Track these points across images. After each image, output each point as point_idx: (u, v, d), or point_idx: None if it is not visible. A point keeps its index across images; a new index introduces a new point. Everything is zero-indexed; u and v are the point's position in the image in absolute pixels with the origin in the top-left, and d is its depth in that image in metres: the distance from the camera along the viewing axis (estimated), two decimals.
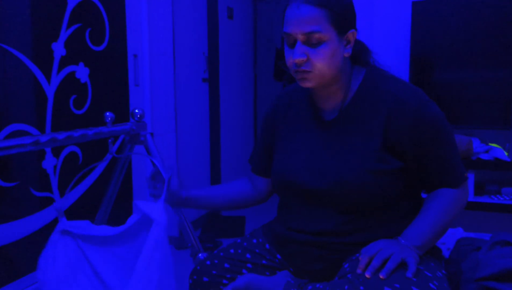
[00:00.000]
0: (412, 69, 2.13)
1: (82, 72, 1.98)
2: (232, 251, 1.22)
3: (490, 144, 2.17)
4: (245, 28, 3.97)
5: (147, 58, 2.42)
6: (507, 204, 2.05)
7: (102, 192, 1.63)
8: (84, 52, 2.00)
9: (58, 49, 1.85)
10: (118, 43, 2.22)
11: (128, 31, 2.28)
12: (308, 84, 1.05)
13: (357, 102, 1.08)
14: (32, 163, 1.78)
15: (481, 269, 1.04)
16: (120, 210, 1.72)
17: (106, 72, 2.14)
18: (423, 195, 1.13)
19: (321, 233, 1.07)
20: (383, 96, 1.05)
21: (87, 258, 1.23)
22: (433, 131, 1.03)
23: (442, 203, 1.05)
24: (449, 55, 2.09)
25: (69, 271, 1.22)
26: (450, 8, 2.05)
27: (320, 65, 1.01)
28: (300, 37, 1.00)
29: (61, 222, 1.24)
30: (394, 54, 2.27)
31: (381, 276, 0.91)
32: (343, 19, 1.02)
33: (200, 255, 1.49)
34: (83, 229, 1.23)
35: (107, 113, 1.42)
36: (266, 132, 1.26)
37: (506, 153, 2.11)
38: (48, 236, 1.86)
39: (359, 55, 1.12)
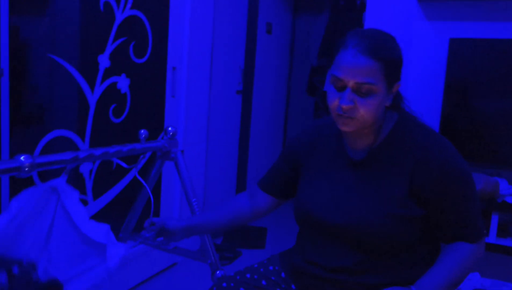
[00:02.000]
0: (445, 104, 2.14)
1: (123, 83, 2.09)
2: (248, 275, 1.27)
3: None
4: (282, 42, 4.03)
5: (185, 71, 2.51)
6: None
7: (132, 196, 1.72)
8: (127, 64, 2.10)
9: (104, 61, 1.96)
10: (159, 56, 2.32)
11: (169, 45, 2.37)
12: (347, 129, 1.07)
13: (386, 146, 1.11)
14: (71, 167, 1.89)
15: None
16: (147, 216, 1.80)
17: (145, 83, 2.24)
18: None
19: (336, 270, 1.11)
20: (412, 144, 1.08)
21: (51, 224, 1.29)
22: (457, 186, 1.05)
23: (457, 257, 1.07)
24: (482, 92, 2.09)
25: (34, 218, 1.27)
26: (486, 46, 2.05)
27: (365, 115, 1.03)
28: (351, 84, 1.01)
29: (60, 179, 1.30)
30: (428, 86, 2.27)
31: None
32: (394, 72, 1.05)
33: (218, 272, 1.56)
34: (68, 202, 1.28)
35: (141, 131, 1.51)
36: (286, 160, 1.29)
37: None
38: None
39: (394, 101, 1.14)
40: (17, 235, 1.27)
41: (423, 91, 2.28)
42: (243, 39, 3.28)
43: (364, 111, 1.03)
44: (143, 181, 1.56)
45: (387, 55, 1.02)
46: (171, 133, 1.63)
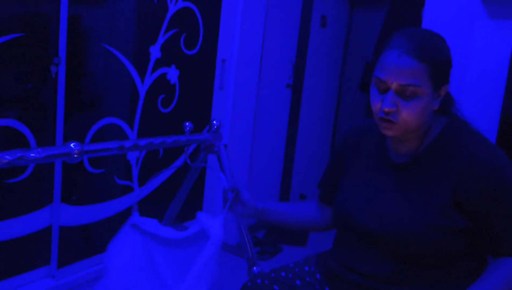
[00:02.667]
0: (504, 109, 2.02)
1: (173, 74, 2.13)
2: (283, 274, 1.26)
3: None
4: (337, 37, 3.94)
5: (234, 63, 2.52)
6: None
7: (175, 187, 1.75)
8: (177, 56, 2.14)
9: (155, 52, 2.00)
10: (209, 48, 2.34)
11: (220, 38, 2.39)
12: (390, 133, 1.03)
13: (431, 151, 1.06)
14: (119, 154, 1.96)
15: None
16: (190, 209, 1.84)
17: (194, 75, 2.27)
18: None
19: (372, 277, 1.07)
20: (460, 151, 1.02)
21: (150, 254, 1.35)
22: (507, 197, 0.99)
23: (503, 275, 1.00)
24: None
25: (132, 262, 1.34)
26: None
27: (408, 118, 0.99)
28: (394, 87, 0.98)
29: (134, 216, 1.37)
30: (487, 90, 2.15)
31: None
32: (441, 74, 1.00)
33: (254, 268, 1.56)
34: (152, 227, 1.34)
35: (186, 123, 1.53)
36: (334, 163, 1.27)
37: None
38: (125, 220, 2.04)
39: (443, 105, 1.08)
40: (129, 285, 1.34)
41: (481, 94, 2.15)
42: (295, 32, 3.25)
43: (407, 115, 0.98)
44: (206, 165, 1.59)
45: (433, 56, 0.97)
46: (215, 127, 1.64)
